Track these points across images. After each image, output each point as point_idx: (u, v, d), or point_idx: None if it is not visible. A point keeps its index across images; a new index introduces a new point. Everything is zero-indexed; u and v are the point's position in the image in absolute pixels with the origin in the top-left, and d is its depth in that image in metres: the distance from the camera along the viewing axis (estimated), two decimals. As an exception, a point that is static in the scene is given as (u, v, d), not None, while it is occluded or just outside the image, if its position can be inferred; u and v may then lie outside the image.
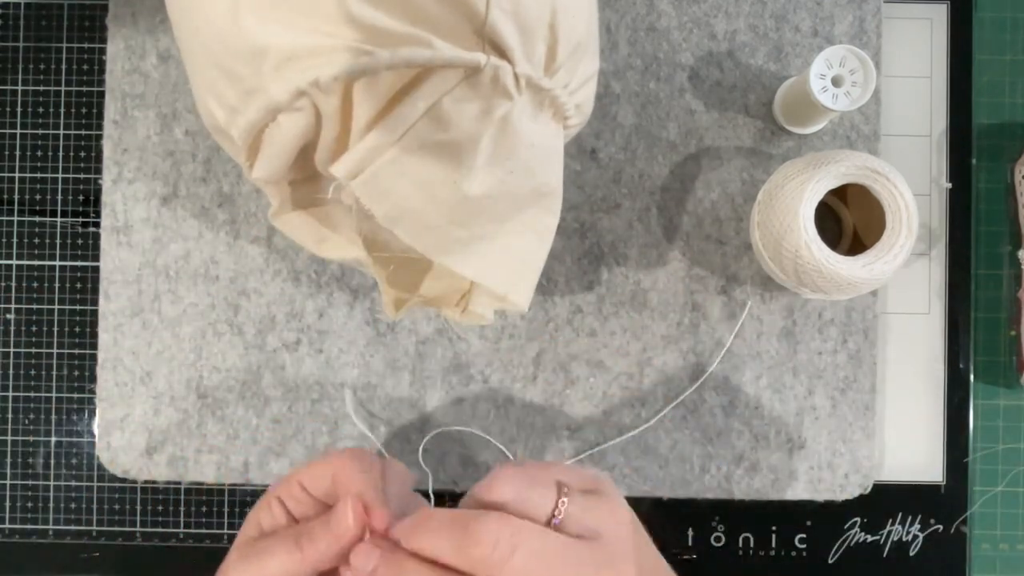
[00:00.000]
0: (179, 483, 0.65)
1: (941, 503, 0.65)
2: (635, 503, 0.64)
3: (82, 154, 0.65)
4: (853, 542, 0.65)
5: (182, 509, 0.65)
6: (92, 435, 0.65)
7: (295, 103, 0.42)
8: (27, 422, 0.65)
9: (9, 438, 0.65)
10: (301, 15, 0.41)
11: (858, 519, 0.65)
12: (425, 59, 0.41)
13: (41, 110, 0.66)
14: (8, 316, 0.65)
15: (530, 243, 0.50)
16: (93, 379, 0.64)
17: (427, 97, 0.42)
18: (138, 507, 0.65)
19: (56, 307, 0.65)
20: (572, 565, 0.41)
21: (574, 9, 0.45)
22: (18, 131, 0.65)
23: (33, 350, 0.65)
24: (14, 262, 0.65)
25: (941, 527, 0.65)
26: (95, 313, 0.64)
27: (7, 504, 0.65)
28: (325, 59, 0.41)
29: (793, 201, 0.56)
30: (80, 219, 0.65)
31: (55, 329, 0.65)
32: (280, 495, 0.46)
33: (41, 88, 0.66)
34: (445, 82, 0.42)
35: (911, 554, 0.65)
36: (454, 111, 0.43)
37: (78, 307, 0.65)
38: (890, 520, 0.65)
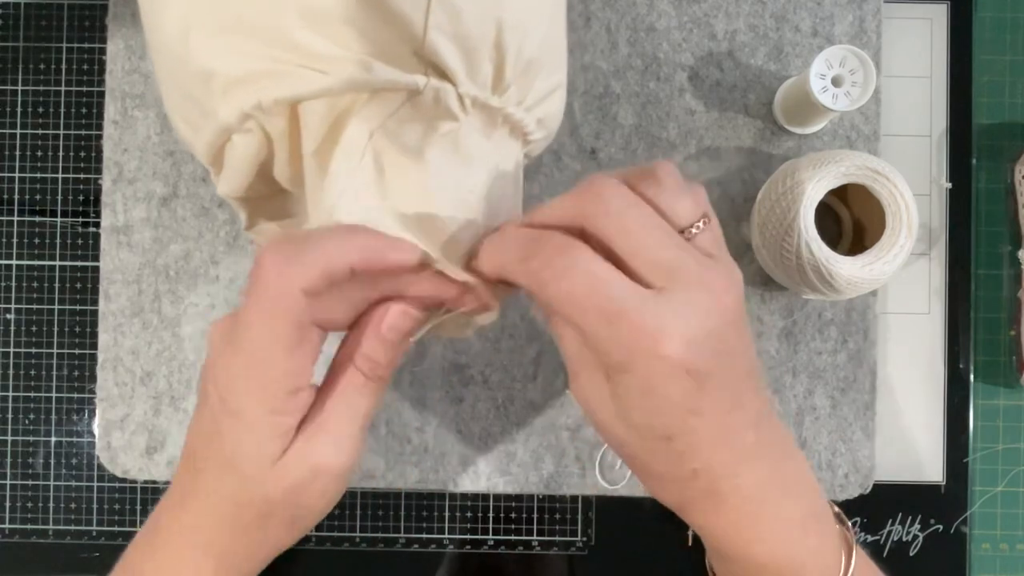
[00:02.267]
0: (179, 483, 0.65)
1: (941, 503, 0.65)
2: (636, 503, 0.64)
3: (82, 154, 0.65)
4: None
5: (182, 509, 0.65)
6: (92, 435, 0.65)
7: (244, 124, 0.43)
8: (27, 422, 0.65)
9: (9, 438, 0.65)
10: (244, 40, 0.41)
11: (858, 519, 0.65)
12: (363, 82, 0.41)
13: (41, 110, 0.66)
14: (8, 316, 0.65)
15: None
16: (93, 379, 0.64)
17: (371, 120, 0.43)
18: (138, 507, 0.65)
19: (56, 307, 0.65)
20: (676, 249, 0.39)
21: (524, 26, 0.45)
22: (18, 131, 0.65)
23: (33, 350, 0.65)
24: (14, 262, 0.65)
25: (941, 527, 0.65)
26: (95, 313, 0.64)
27: (7, 504, 0.65)
28: (267, 83, 0.41)
29: (793, 201, 0.56)
30: (80, 219, 0.65)
31: (55, 329, 0.65)
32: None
33: (41, 88, 0.66)
34: (388, 104, 0.43)
35: (911, 554, 0.65)
36: (399, 132, 0.43)
37: (78, 307, 0.65)
38: (890, 520, 0.65)
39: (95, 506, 0.65)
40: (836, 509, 0.48)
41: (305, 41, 0.41)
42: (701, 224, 0.41)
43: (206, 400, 0.43)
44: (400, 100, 0.43)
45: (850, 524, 0.48)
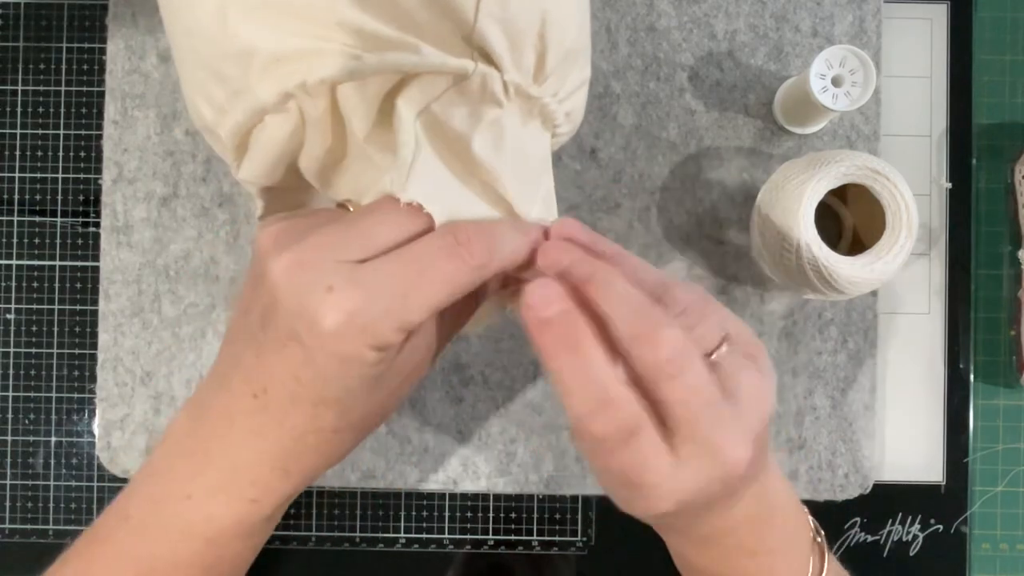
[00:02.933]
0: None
1: (941, 503, 0.65)
2: (635, 503, 0.64)
3: (82, 154, 0.65)
4: (853, 542, 0.65)
5: (182, 509, 0.65)
6: (92, 435, 0.65)
7: (283, 105, 0.43)
8: (27, 422, 0.65)
9: (9, 438, 0.65)
10: (289, 18, 0.41)
11: (858, 519, 0.65)
12: (412, 65, 0.41)
13: (41, 110, 0.66)
14: (8, 316, 0.65)
15: None
16: (93, 379, 0.64)
17: (415, 103, 0.42)
18: (138, 507, 0.65)
19: (56, 307, 0.65)
20: (709, 417, 0.39)
21: (565, 17, 0.45)
22: (18, 131, 0.65)
23: (33, 350, 0.65)
24: (14, 262, 0.65)
25: (941, 527, 0.65)
26: (95, 313, 0.64)
27: (7, 504, 0.65)
28: (313, 62, 0.41)
29: (793, 201, 0.56)
30: (80, 219, 0.65)
31: (55, 329, 0.65)
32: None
33: (41, 88, 0.66)
34: (434, 87, 0.42)
35: (911, 554, 0.65)
36: (445, 117, 0.43)
37: (78, 307, 0.65)
38: (890, 520, 0.65)
39: (95, 506, 0.65)
40: (814, 529, 0.49)
41: (354, 20, 0.40)
42: (723, 348, 0.41)
43: (295, 342, 0.40)
44: (445, 84, 0.43)
45: (825, 543, 0.49)
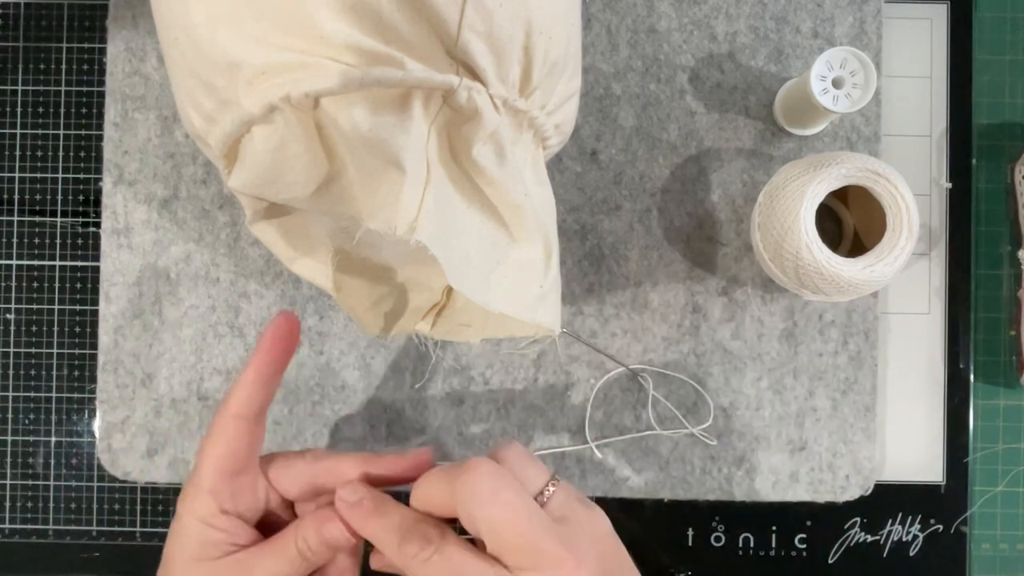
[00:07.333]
0: (180, 484, 0.65)
1: (941, 503, 0.65)
2: (636, 503, 0.65)
3: (82, 154, 0.65)
4: (853, 542, 0.65)
5: (183, 509, 0.65)
6: (92, 435, 0.65)
7: (268, 117, 0.43)
8: (27, 422, 0.65)
9: (9, 438, 0.65)
10: (276, 31, 0.41)
11: (858, 519, 0.65)
12: (396, 80, 0.41)
13: (41, 110, 0.65)
14: (8, 316, 0.65)
15: (538, 264, 0.50)
16: (93, 379, 0.64)
17: (422, 124, 0.43)
18: (138, 507, 0.65)
19: (56, 307, 0.65)
20: (539, 530, 0.44)
21: (550, 29, 0.45)
22: (18, 131, 0.65)
23: (33, 350, 0.65)
24: (14, 262, 0.65)
25: (941, 527, 0.65)
26: (95, 313, 0.64)
27: (7, 504, 0.65)
28: (298, 75, 0.41)
29: (794, 203, 0.56)
30: (80, 219, 0.65)
31: (55, 329, 0.65)
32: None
33: (41, 88, 0.66)
34: (432, 105, 0.43)
35: (911, 554, 0.65)
36: (449, 135, 0.43)
37: (78, 307, 0.65)
38: (890, 520, 0.65)
39: (95, 506, 0.65)
40: None
41: (339, 35, 0.40)
42: (553, 487, 0.47)
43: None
44: (440, 101, 0.43)
45: None
